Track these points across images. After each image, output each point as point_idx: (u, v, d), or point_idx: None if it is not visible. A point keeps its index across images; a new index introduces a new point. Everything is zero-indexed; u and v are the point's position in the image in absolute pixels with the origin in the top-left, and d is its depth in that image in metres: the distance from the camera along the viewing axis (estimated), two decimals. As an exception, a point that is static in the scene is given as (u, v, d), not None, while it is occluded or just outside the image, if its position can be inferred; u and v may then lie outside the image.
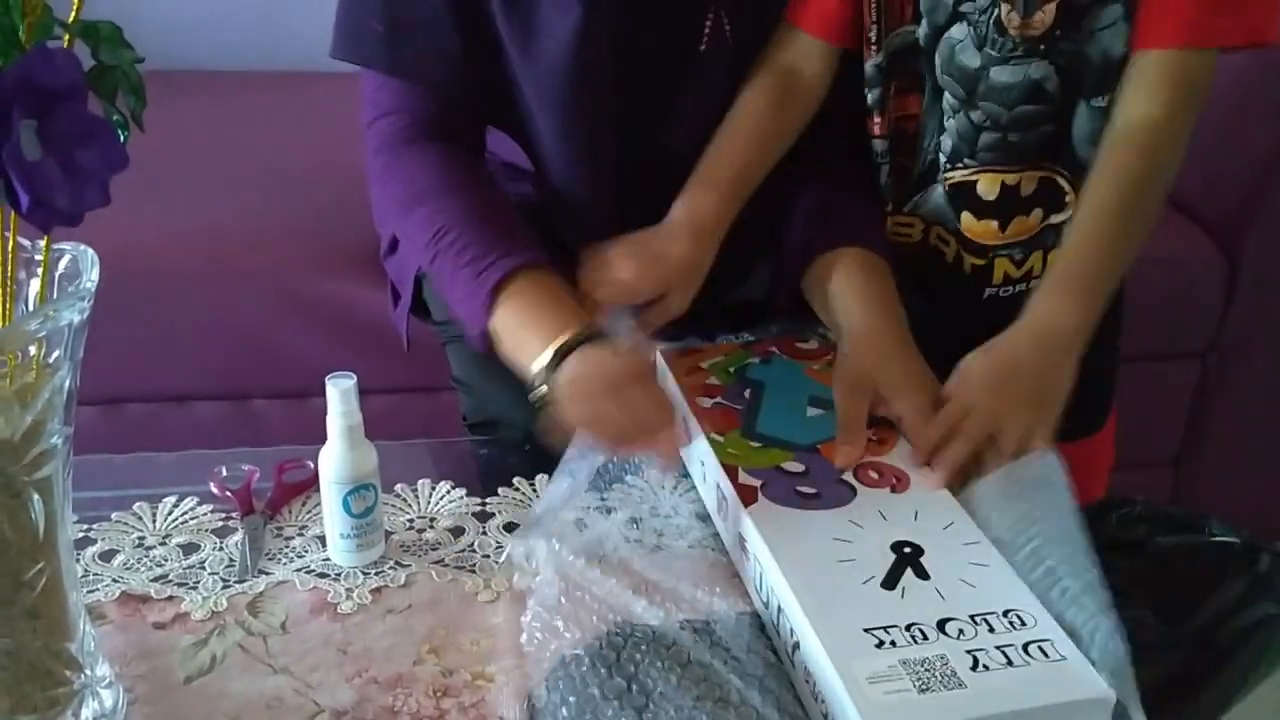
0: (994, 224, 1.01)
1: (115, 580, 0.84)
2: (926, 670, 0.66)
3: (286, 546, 0.88)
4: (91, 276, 0.63)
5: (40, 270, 0.64)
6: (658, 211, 0.99)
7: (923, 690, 0.65)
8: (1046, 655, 0.67)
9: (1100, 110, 0.95)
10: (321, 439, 0.86)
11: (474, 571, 0.86)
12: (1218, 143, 1.51)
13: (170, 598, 0.82)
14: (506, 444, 1.07)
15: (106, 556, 0.86)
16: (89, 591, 0.82)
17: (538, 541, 0.81)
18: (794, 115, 1.02)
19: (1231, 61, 1.48)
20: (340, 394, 0.84)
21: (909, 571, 0.74)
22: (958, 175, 1.00)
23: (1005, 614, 0.70)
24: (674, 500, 0.92)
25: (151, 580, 0.84)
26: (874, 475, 0.84)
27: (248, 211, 1.36)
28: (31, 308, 0.65)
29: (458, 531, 0.90)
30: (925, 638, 0.68)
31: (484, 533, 0.90)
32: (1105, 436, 1.18)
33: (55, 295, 0.64)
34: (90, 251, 0.64)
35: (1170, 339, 1.48)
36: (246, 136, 1.56)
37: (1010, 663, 0.67)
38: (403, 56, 1.00)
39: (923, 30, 0.97)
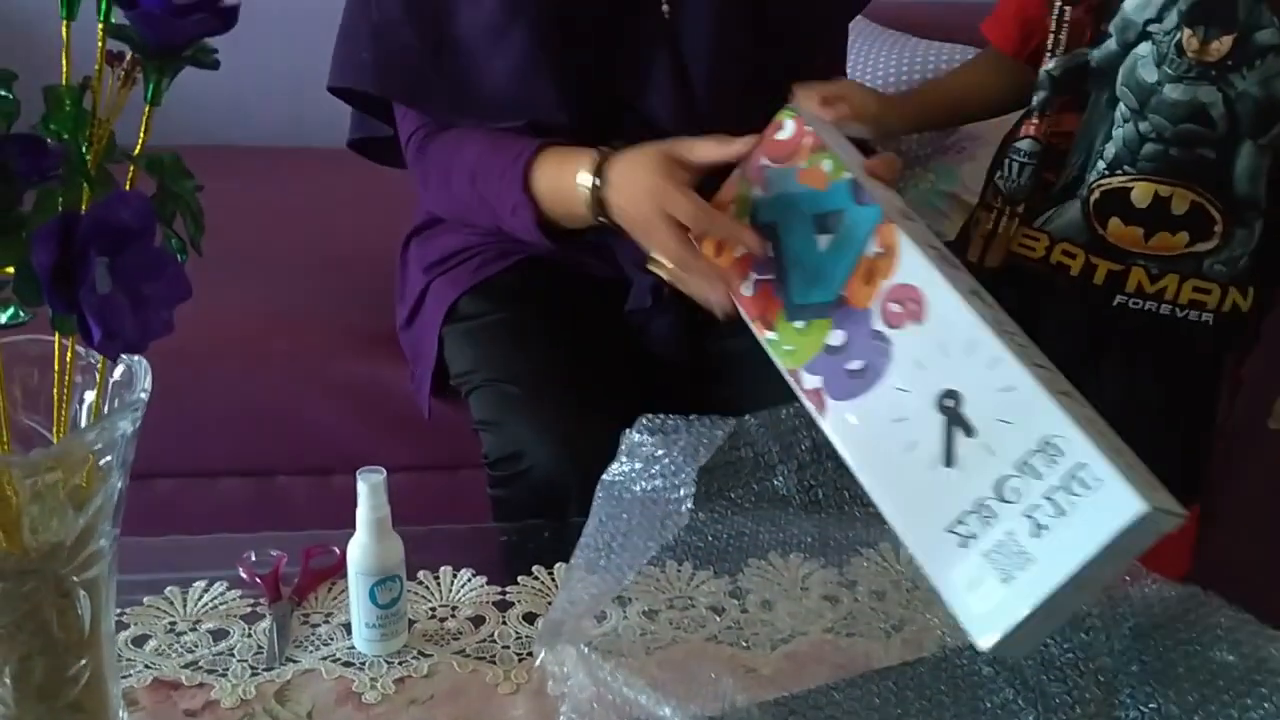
0: (1140, 231, 1.09)
1: (148, 666, 0.86)
2: (1002, 555, 0.73)
3: (313, 634, 0.90)
4: (145, 386, 0.66)
5: (97, 378, 0.67)
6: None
7: (1005, 581, 0.73)
8: (1088, 486, 0.72)
9: (1263, 149, 1.05)
10: (344, 516, 0.89)
11: (494, 662, 0.88)
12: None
13: (201, 684, 0.85)
14: (526, 482, 1.09)
15: (139, 641, 0.89)
16: (123, 677, 0.84)
17: (566, 648, 0.83)
18: (988, 98, 1.22)
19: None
20: (370, 488, 0.87)
21: (959, 434, 0.79)
22: (1115, 182, 1.09)
23: (1044, 448, 0.74)
24: (690, 591, 0.95)
25: (182, 667, 0.86)
26: (895, 308, 0.85)
27: (273, 292, 1.41)
28: (86, 412, 0.69)
29: (478, 621, 0.93)
30: (992, 514, 0.75)
31: (504, 622, 0.92)
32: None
33: (111, 404, 0.67)
34: (144, 363, 0.67)
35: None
36: (272, 214, 1.61)
37: (1062, 511, 0.72)
38: (389, 79, 1.12)
39: (1108, 48, 1.08)
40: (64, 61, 0.65)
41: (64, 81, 0.64)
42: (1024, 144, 1.13)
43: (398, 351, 1.32)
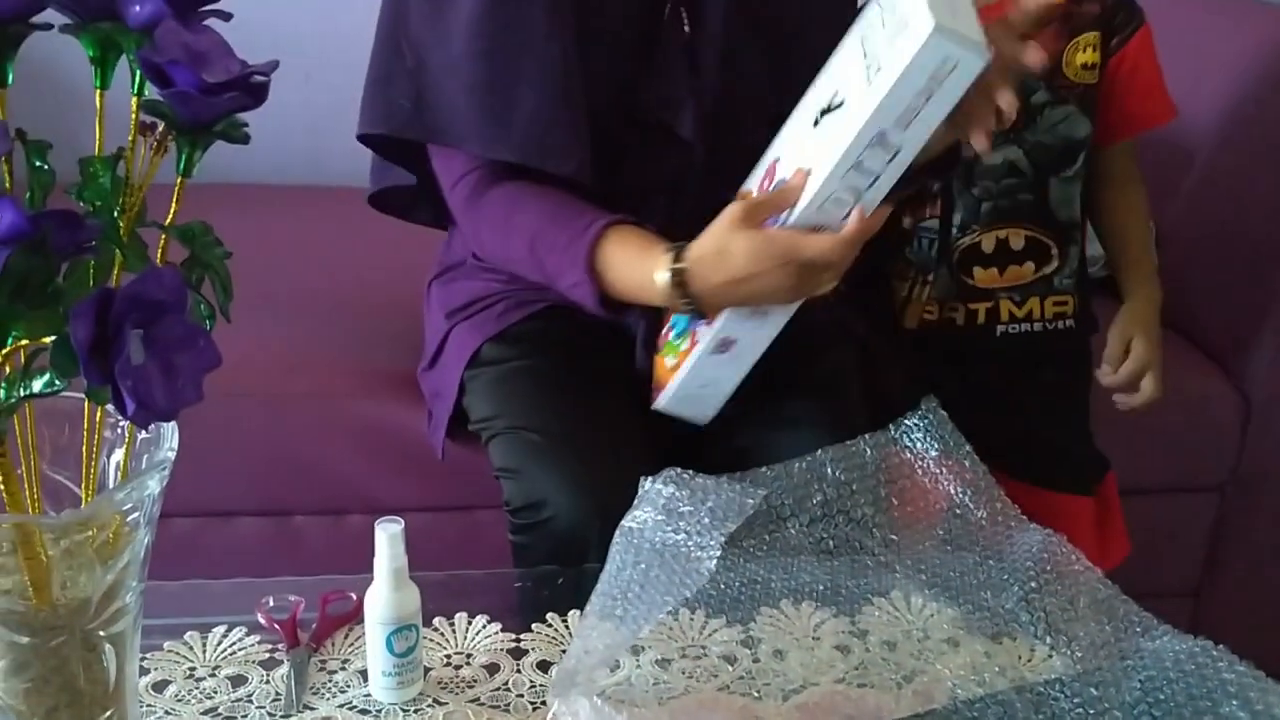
0: (995, 270, 1.31)
1: (168, 712, 0.88)
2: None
3: (330, 680, 0.92)
4: (172, 445, 0.68)
5: (125, 436, 0.69)
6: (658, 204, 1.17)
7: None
8: (906, 26, 0.88)
9: (1067, 181, 1.28)
10: (360, 556, 0.90)
11: (508, 711, 0.89)
12: (1229, 278, 1.55)
13: (220, 731, 0.86)
14: (548, 530, 1.10)
15: (159, 687, 0.90)
16: (144, 723, 0.86)
17: (579, 698, 0.84)
18: None
19: (1240, 200, 1.55)
20: (388, 538, 0.88)
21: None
22: (967, 240, 1.30)
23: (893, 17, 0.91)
24: (703, 640, 0.96)
25: (202, 714, 0.88)
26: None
27: (292, 332, 1.43)
28: (115, 470, 0.70)
29: (493, 668, 0.94)
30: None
31: (518, 670, 0.94)
32: (1102, 503, 1.38)
33: (139, 461, 0.69)
34: (171, 422, 0.69)
35: (1187, 473, 1.52)
36: (293, 253, 1.63)
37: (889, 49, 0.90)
38: (431, 122, 1.13)
39: None
40: (98, 129, 0.68)
41: (98, 149, 0.66)
42: (929, 223, 1.31)
43: (417, 393, 1.33)
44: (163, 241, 0.64)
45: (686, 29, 1.15)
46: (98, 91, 0.68)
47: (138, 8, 0.61)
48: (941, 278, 1.31)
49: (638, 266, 1.05)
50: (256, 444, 1.32)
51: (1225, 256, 1.56)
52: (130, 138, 0.64)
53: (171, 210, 0.63)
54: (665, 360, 1.11)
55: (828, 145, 0.96)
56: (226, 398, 1.30)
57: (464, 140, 1.13)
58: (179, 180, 0.63)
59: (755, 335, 1.06)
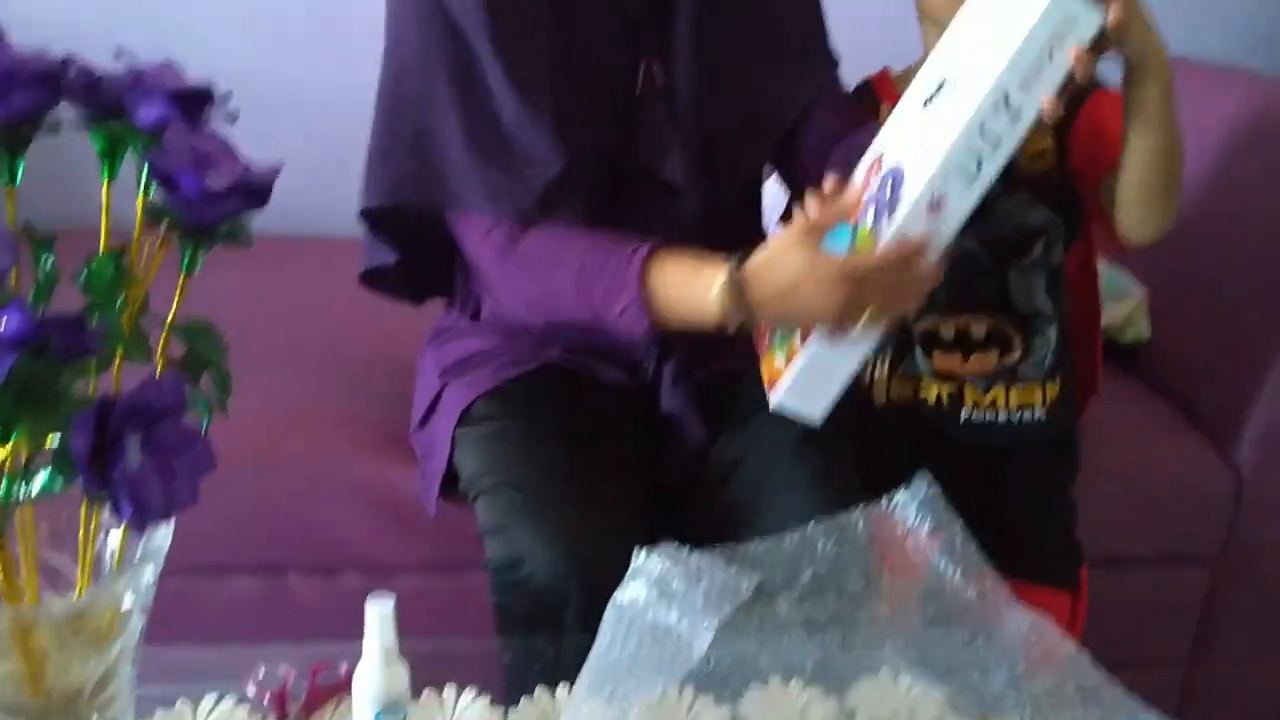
0: (957, 356, 1.27)
1: (158, 784, 0.88)
2: None
3: (319, 755, 0.92)
4: (167, 534, 0.69)
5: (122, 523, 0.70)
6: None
7: None
8: None
9: (1027, 270, 1.23)
10: (351, 616, 0.90)
11: (496, 788, 0.89)
12: (1218, 349, 1.56)
13: (208, 806, 0.86)
14: (527, 588, 1.11)
15: (149, 758, 0.90)
16: (133, 797, 0.86)
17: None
18: None
19: (1227, 277, 1.56)
20: (379, 619, 0.88)
21: None
22: (926, 324, 1.27)
23: None
24: (690, 718, 0.96)
25: (191, 786, 0.88)
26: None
27: (287, 389, 1.43)
28: (110, 554, 0.71)
29: (482, 744, 0.94)
30: None
31: (507, 746, 0.94)
32: (1076, 602, 1.33)
33: (135, 547, 0.70)
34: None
35: (1179, 545, 1.52)
36: (291, 307, 1.64)
37: None
38: (444, 189, 1.14)
39: None
40: (103, 221, 0.69)
41: (103, 242, 0.68)
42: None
43: (410, 452, 1.34)
44: (164, 338, 0.65)
45: (661, 79, 1.18)
46: (104, 184, 0.69)
47: (146, 110, 0.62)
48: (908, 357, 1.29)
49: (694, 279, 1.07)
50: (249, 501, 1.32)
51: (1214, 327, 1.57)
52: (135, 234, 0.66)
53: (173, 307, 0.65)
54: (775, 358, 1.10)
55: (946, 119, 0.97)
56: (219, 455, 1.31)
57: (471, 201, 1.15)
58: (181, 278, 0.64)
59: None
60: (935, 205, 0.99)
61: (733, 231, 1.21)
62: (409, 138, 1.16)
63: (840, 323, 1.02)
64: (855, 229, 1.03)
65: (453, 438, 1.24)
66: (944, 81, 1.00)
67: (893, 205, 1.00)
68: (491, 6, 1.11)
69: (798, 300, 1.02)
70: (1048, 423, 1.28)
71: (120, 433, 0.54)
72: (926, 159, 0.98)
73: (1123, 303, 1.63)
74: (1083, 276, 1.34)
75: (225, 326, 1.27)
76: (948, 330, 1.25)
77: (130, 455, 0.55)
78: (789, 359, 1.08)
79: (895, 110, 1.06)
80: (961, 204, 1.00)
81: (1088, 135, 1.20)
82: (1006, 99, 0.95)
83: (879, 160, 1.05)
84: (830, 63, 1.30)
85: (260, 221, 2.01)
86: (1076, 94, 1.21)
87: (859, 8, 1.36)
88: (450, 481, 1.27)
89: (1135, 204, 1.12)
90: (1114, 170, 1.12)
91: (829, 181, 1.06)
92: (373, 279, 1.31)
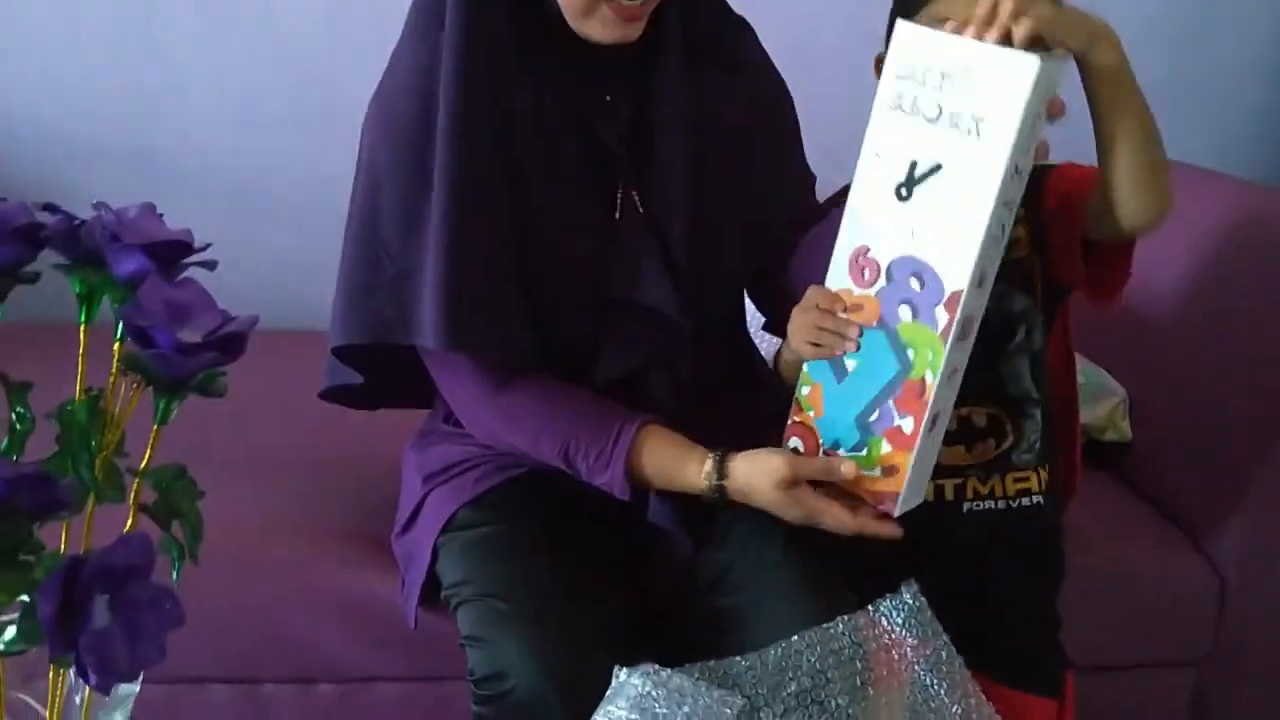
0: (961, 448, 1.26)
1: None
2: None
3: None
4: (134, 687, 0.68)
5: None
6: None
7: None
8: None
9: (1011, 355, 1.24)
10: None
11: None
12: (1200, 450, 1.57)
13: None
14: (510, 701, 1.09)
15: None
16: None
17: None
18: None
19: (1208, 378, 1.57)
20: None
21: None
22: None
23: None
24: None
25: None
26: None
27: (268, 495, 1.43)
28: (80, 700, 0.70)
29: None
30: None
31: None
32: (1062, 709, 1.31)
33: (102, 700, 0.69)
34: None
35: (1165, 649, 1.51)
36: (274, 404, 1.63)
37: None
38: (424, 329, 1.13)
39: None
40: (80, 365, 0.69)
41: (79, 384, 0.68)
42: None
43: (391, 559, 1.33)
44: (135, 487, 0.65)
45: (640, 207, 1.19)
46: (81, 326, 0.70)
47: (124, 262, 0.63)
48: None
49: (678, 468, 1.13)
50: (226, 611, 1.31)
51: (1194, 429, 1.58)
52: (110, 380, 0.66)
53: (146, 456, 0.65)
54: (868, 476, 1.11)
55: (962, 203, 0.99)
56: (202, 565, 1.30)
57: (452, 348, 1.14)
58: (155, 429, 0.64)
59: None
60: (980, 281, 1.02)
61: (719, 348, 1.22)
62: (386, 278, 1.15)
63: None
64: (894, 330, 1.05)
65: (434, 545, 1.23)
66: (915, 163, 1.00)
67: (933, 295, 1.02)
68: (458, 166, 1.11)
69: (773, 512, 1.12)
70: (1045, 507, 1.29)
71: (88, 594, 0.54)
72: (961, 244, 1.00)
73: (1103, 403, 1.63)
74: (1062, 365, 1.35)
75: (207, 425, 1.29)
76: (951, 423, 1.23)
77: (98, 617, 0.54)
78: (885, 470, 1.09)
79: (855, 198, 1.06)
80: (995, 271, 1.04)
81: (1061, 200, 1.21)
82: (1016, 168, 0.98)
83: (864, 253, 1.05)
84: (808, 181, 1.32)
85: (248, 313, 2.01)
86: (1035, 174, 1.23)
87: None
88: (432, 588, 1.26)
89: (1132, 189, 1.10)
90: (1098, 184, 1.13)
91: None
92: (334, 394, 1.30)
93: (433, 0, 1.13)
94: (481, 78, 1.11)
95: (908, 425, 1.06)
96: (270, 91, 2.01)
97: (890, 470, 1.08)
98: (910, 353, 1.04)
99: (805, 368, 1.11)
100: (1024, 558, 1.32)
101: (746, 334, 1.38)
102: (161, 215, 0.69)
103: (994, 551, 1.30)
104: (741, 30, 1.26)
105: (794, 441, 1.12)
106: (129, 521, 0.64)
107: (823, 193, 1.32)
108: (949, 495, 1.28)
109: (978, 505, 1.28)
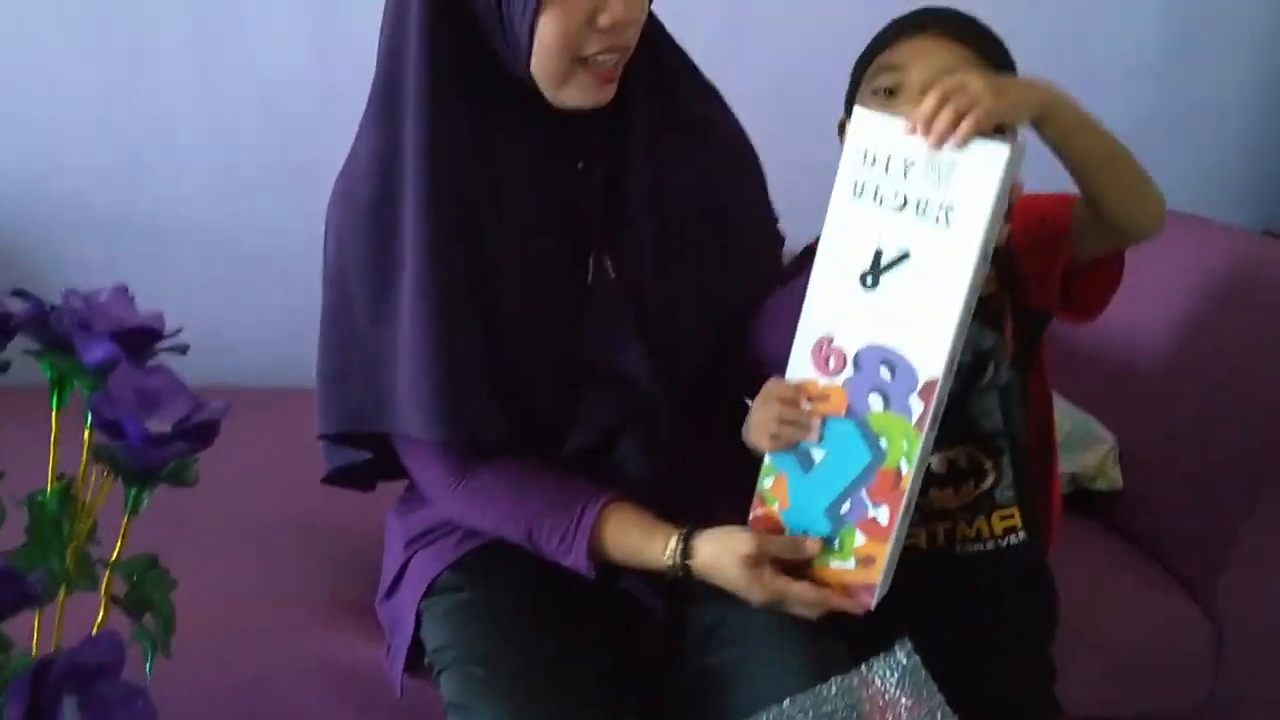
0: (950, 490, 1.26)
1: None
2: None
3: None
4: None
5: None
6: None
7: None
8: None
9: (982, 392, 1.23)
10: None
11: None
12: (1195, 499, 1.56)
13: None
14: None
15: None
16: None
17: None
18: None
19: (1198, 423, 1.57)
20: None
21: None
22: None
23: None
24: None
25: None
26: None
27: (253, 562, 1.42)
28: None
29: None
30: None
31: None
32: None
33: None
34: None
35: (1160, 701, 1.50)
36: (260, 465, 1.62)
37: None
38: (396, 417, 1.13)
39: None
40: (51, 452, 0.68)
41: (50, 469, 0.67)
42: None
43: (376, 625, 1.32)
44: (107, 579, 0.64)
45: (613, 272, 1.18)
46: (53, 411, 0.69)
47: (93, 350, 0.62)
48: None
49: (639, 550, 1.12)
50: (209, 681, 1.29)
51: (1187, 476, 1.57)
52: (81, 469, 0.65)
53: (117, 548, 0.64)
54: (833, 566, 1.09)
55: (935, 290, 0.97)
56: (185, 634, 1.28)
57: (419, 433, 1.13)
58: (125, 520, 0.63)
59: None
60: (952, 364, 1.01)
61: (698, 409, 1.21)
62: (359, 364, 1.15)
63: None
64: (864, 419, 1.03)
65: (418, 610, 1.22)
66: (881, 251, 0.99)
67: (906, 384, 1.00)
68: (426, 248, 1.10)
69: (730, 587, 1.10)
70: (1032, 543, 1.28)
71: (57, 695, 0.53)
72: (935, 332, 0.98)
73: (1093, 450, 1.63)
74: (1041, 400, 1.34)
75: (190, 491, 1.29)
76: (939, 464, 1.25)
77: (67, 718, 0.53)
78: (860, 560, 1.07)
79: (816, 287, 1.04)
80: (960, 351, 1.02)
81: (1032, 231, 1.20)
82: (985, 252, 0.97)
83: (828, 343, 1.03)
84: (777, 243, 1.32)
85: (238, 373, 2.01)
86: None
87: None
88: (417, 654, 1.24)
89: (1123, 202, 1.10)
90: (1084, 214, 1.13)
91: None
92: (336, 478, 1.30)
93: (394, 76, 1.11)
94: (447, 153, 1.10)
95: (883, 515, 1.04)
96: (256, 148, 2.02)
97: (866, 561, 1.06)
98: (883, 442, 1.02)
99: (768, 459, 1.09)
100: (1016, 605, 1.30)
101: (720, 399, 1.37)
102: (133, 298, 0.69)
103: (986, 597, 1.29)
104: (710, 95, 1.26)
105: None
106: (100, 614, 0.63)
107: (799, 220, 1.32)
108: (940, 540, 1.27)
109: (968, 548, 1.27)
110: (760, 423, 1.09)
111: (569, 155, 1.17)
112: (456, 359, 1.11)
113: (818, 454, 1.05)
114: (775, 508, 1.08)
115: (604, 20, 1.06)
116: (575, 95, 1.11)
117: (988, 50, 1.18)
